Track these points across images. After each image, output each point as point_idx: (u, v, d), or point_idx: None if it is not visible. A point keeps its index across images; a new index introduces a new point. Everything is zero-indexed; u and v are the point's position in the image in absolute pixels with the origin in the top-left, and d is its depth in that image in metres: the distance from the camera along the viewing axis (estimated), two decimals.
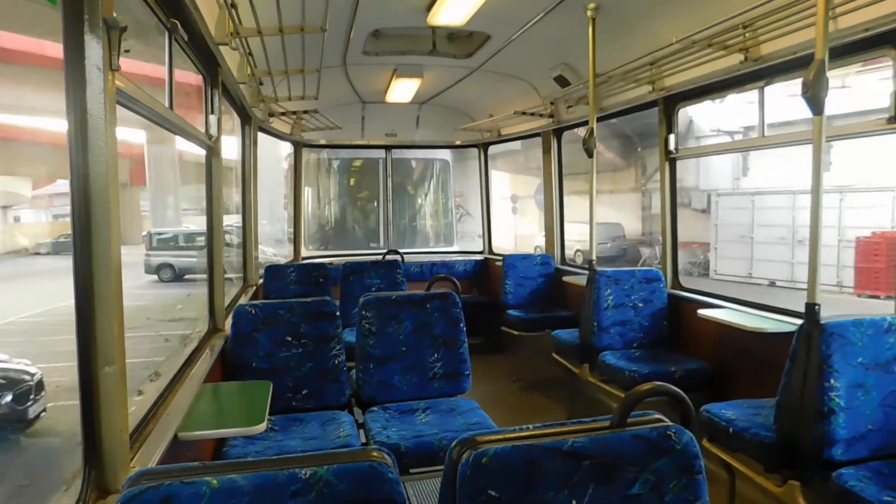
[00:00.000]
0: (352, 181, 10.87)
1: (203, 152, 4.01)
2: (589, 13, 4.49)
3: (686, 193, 21.49)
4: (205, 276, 4.09)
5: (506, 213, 23.90)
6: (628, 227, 23.37)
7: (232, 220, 6.01)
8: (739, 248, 18.96)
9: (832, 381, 2.73)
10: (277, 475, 1.49)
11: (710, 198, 20.74)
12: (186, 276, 14.56)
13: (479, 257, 8.76)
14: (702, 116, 20.43)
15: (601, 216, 21.27)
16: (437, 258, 8.70)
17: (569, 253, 7.62)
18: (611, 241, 22.13)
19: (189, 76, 3.77)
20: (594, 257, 5.30)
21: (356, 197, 10.83)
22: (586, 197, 5.41)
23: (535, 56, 5.79)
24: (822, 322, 2.80)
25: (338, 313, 3.99)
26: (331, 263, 6.94)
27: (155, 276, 14.99)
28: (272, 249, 14.24)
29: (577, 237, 21.79)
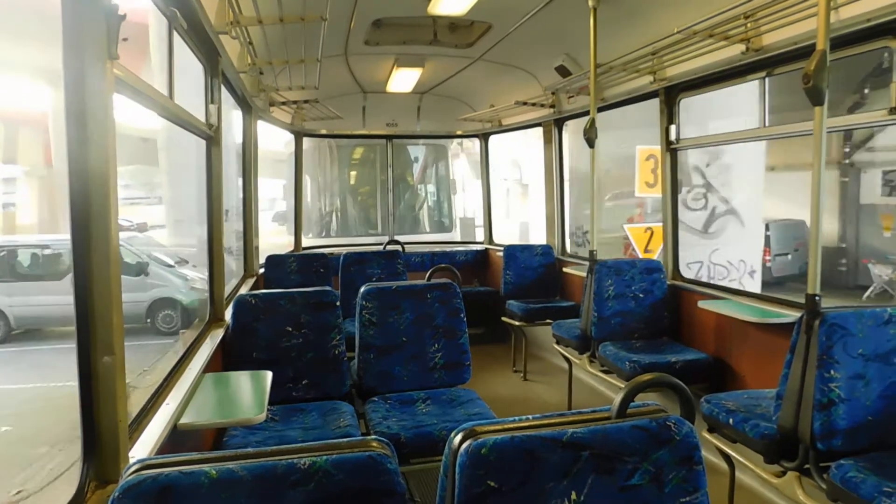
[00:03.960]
0: (352, 171, 10.85)
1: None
2: (590, 3, 4.47)
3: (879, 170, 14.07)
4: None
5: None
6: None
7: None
8: None
9: (832, 371, 2.72)
10: (276, 465, 1.49)
11: None
12: (53, 329, 8.02)
13: (479, 247, 8.77)
14: None
15: (764, 209, 13.04)
16: (437, 248, 8.70)
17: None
18: (792, 252, 14.59)
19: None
20: (595, 247, 5.29)
21: (357, 189, 10.81)
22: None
23: (537, 46, 5.76)
24: (822, 313, 2.80)
25: (338, 303, 3.99)
26: (331, 253, 6.93)
27: None
28: (195, 274, 9.34)
29: (754, 244, 12.30)
